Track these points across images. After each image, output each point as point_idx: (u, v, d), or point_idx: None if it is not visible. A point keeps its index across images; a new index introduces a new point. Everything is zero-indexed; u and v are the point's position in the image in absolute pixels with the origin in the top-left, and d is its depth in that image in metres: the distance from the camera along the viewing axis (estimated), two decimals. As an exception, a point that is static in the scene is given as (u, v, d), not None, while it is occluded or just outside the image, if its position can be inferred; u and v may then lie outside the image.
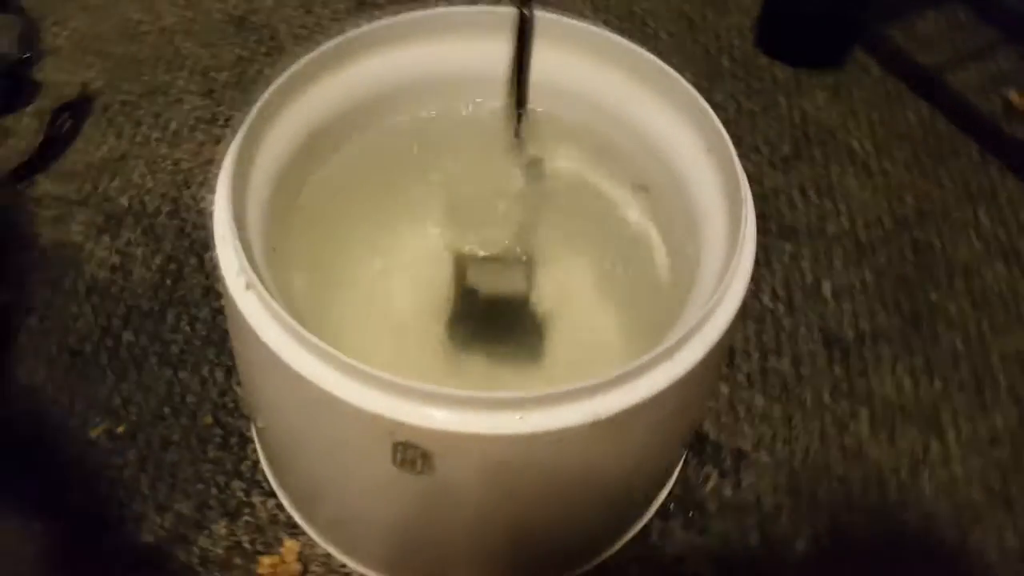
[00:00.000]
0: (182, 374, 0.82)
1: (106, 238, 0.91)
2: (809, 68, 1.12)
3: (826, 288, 0.91)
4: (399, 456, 0.53)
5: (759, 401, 0.83)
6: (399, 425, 0.50)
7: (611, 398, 0.51)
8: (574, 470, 0.56)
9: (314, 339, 0.51)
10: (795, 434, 0.81)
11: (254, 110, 0.63)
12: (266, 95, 0.64)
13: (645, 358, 0.51)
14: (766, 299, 0.90)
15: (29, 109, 1.01)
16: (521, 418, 0.50)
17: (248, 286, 0.55)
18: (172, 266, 0.90)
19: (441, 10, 0.72)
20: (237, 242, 0.56)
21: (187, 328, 0.85)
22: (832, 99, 1.09)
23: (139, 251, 0.91)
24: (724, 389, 0.83)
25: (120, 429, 0.78)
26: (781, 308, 0.89)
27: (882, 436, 0.82)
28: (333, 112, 0.70)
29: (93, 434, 0.78)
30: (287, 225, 0.67)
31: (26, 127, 1.00)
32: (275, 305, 0.53)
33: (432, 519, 0.60)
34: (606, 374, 0.50)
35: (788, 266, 0.93)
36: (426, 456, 0.52)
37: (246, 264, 0.55)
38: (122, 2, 1.17)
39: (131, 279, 0.88)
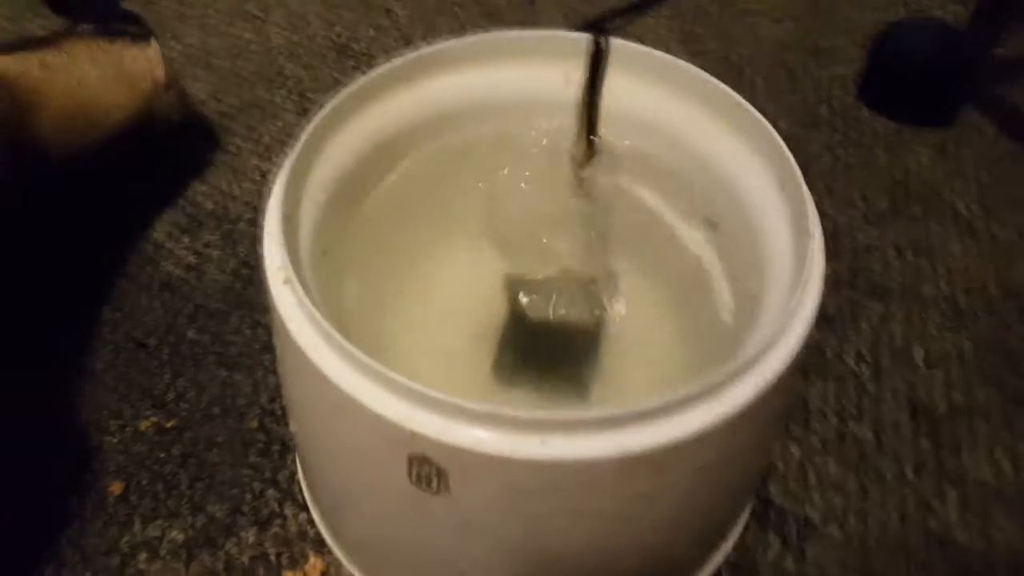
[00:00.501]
0: (236, 376, 0.82)
1: (186, 238, 0.93)
2: (914, 125, 1.06)
3: (918, 354, 0.84)
4: (414, 471, 0.50)
5: (833, 468, 0.77)
6: (414, 436, 0.48)
7: (644, 432, 0.47)
8: (602, 511, 0.52)
9: (338, 337, 0.49)
10: (871, 509, 0.74)
11: (320, 115, 0.64)
12: (334, 102, 0.65)
13: (685, 392, 0.47)
14: (850, 360, 0.84)
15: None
16: (542, 442, 0.47)
17: (286, 281, 0.54)
18: (244, 271, 0.91)
19: (514, 33, 0.71)
20: (282, 237, 0.55)
21: (248, 332, 0.86)
22: (938, 157, 1.03)
23: (215, 254, 0.92)
24: (795, 451, 0.77)
25: (169, 424, 0.79)
26: (866, 371, 0.83)
27: (974, 523, 0.74)
28: (400, 125, 0.70)
29: (143, 426, 0.79)
30: (342, 231, 0.66)
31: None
32: (308, 302, 0.52)
33: (449, 545, 0.56)
34: (639, 404, 0.47)
35: (877, 327, 0.86)
36: (441, 474, 0.49)
37: (287, 259, 0.54)
38: (236, 23, 1.22)
39: (203, 279, 0.90)
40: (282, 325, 0.53)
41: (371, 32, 1.21)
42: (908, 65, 1.04)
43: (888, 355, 0.84)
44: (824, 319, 0.87)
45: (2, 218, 0.80)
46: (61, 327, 0.86)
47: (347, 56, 1.18)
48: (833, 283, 0.90)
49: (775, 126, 0.61)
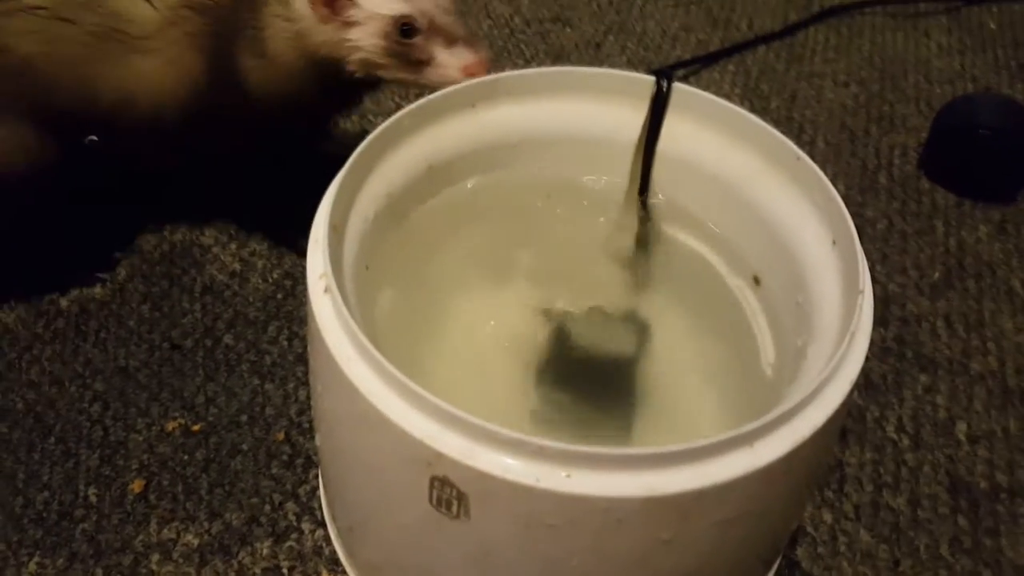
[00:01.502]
0: (268, 386, 0.82)
1: (233, 245, 0.94)
2: (974, 199, 1.04)
3: (961, 429, 0.82)
4: (435, 494, 0.49)
5: (865, 537, 0.74)
6: (438, 456, 0.47)
7: (672, 475, 0.46)
8: (623, 554, 0.51)
9: (372, 349, 0.49)
10: (899, 583, 0.72)
11: (375, 132, 0.64)
12: (391, 120, 0.65)
13: (717, 439, 0.46)
14: (890, 429, 0.81)
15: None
16: (568, 476, 0.46)
17: (327, 290, 0.54)
18: (287, 282, 0.91)
19: (578, 69, 0.71)
20: (327, 247, 0.56)
21: (284, 342, 0.86)
22: (996, 234, 1.00)
23: (260, 262, 0.93)
24: (827, 516, 0.75)
25: (196, 427, 0.79)
26: (906, 441, 0.80)
27: (1006, 608, 0.71)
28: (458, 150, 0.70)
29: (169, 427, 0.79)
30: (388, 248, 0.66)
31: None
32: (345, 312, 0.52)
33: (466, 574, 0.55)
34: (669, 447, 0.45)
35: (920, 398, 0.84)
36: (462, 498, 0.48)
37: (329, 268, 0.54)
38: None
39: (246, 287, 0.90)
40: (318, 333, 0.53)
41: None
42: (972, 139, 1.02)
43: (930, 427, 0.82)
44: (867, 385, 0.84)
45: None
46: (101, 320, 0.87)
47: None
48: (880, 350, 0.88)
49: (834, 188, 0.60)
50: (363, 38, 0.78)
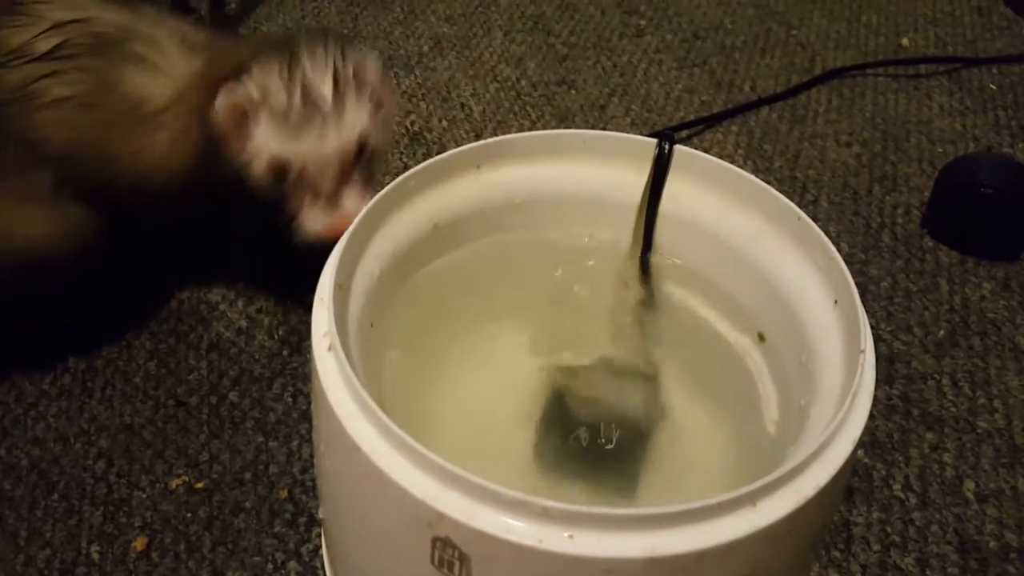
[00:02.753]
0: (272, 443, 0.82)
1: (240, 302, 0.95)
2: (978, 258, 1.05)
3: (969, 488, 0.81)
4: (437, 555, 0.49)
5: (872, 600, 0.73)
6: (440, 517, 0.47)
7: (674, 535, 0.46)
8: (628, 615, 0.50)
9: (374, 407, 0.49)
10: (909, 647, 0.71)
11: (383, 191, 0.65)
12: (399, 179, 0.66)
13: (719, 499, 0.46)
14: (897, 487, 0.81)
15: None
16: (571, 536, 0.46)
17: (330, 348, 0.54)
18: (293, 338, 0.92)
19: (582, 132, 0.73)
20: (332, 304, 0.56)
21: (289, 400, 0.86)
22: (1000, 291, 1.01)
23: (266, 320, 0.94)
24: (833, 578, 0.74)
25: (200, 484, 0.79)
26: (913, 500, 0.80)
27: (1016, 674, 0.70)
28: (463, 210, 0.71)
29: (173, 484, 0.79)
30: (392, 306, 0.67)
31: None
32: (348, 370, 0.52)
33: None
34: (672, 506, 0.45)
35: (927, 456, 0.83)
36: (464, 559, 0.48)
37: (334, 327, 0.55)
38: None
39: (252, 344, 0.91)
40: (321, 391, 0.54)
41: (444, 123, 1.25)
42: (974, 198, 1.03)
43: (937, 486, 0.81)
44: (873, 444, 0.84)
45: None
46: (107, 377, 0.87)
47: (419, 143, 1.21)
48: (885, 408, 0.87)
49: (836, 247, 0.60)
50: (252, 166, 0.79)
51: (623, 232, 0.74)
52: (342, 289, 0.60)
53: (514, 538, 0.46)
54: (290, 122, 0.76)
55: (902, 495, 0.80)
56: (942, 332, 0.96)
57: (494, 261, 0.74)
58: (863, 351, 0.53)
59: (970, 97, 1.31)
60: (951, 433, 0.85)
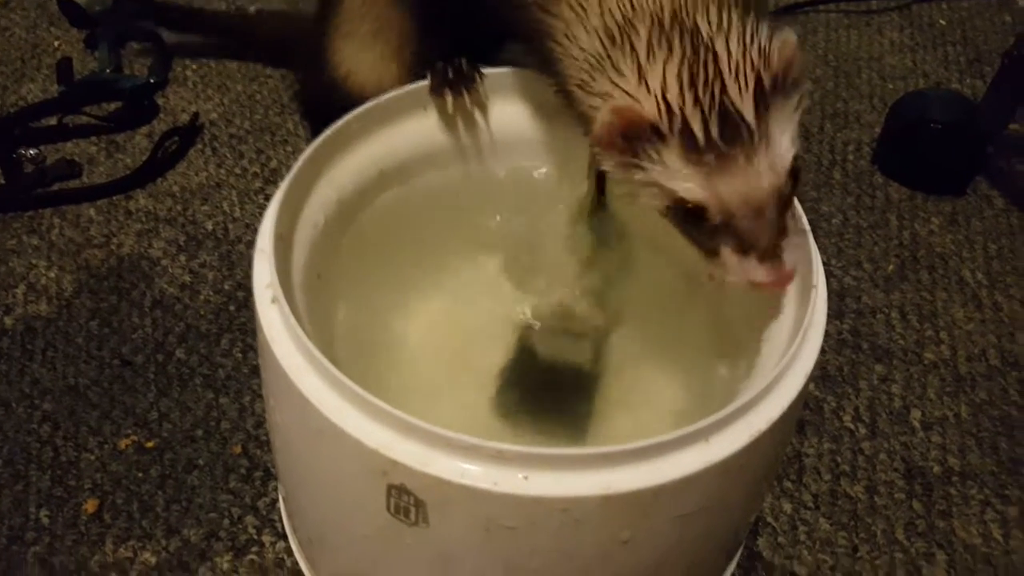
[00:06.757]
0: (223, 399, 0.81)
1: (183, 257, 0.93)
2: (927, 193, 1.06)
3: (915, 417, 0.83)
4: (393, 502, 0.49)
5: (824, 526, 0.75)
6: (393, 464, 0.46)
7: (628, 473, 0.46)
8: (586, 552, 0.50)
9: (323, 360, 0.48)
10: (859, 568, 0.73)
11: (323, 135, 0.63)
12: (339, 123, 0.64)
13: (672, 436, 0.46)
14: (847, 419, 0.82)
15: (143, 130, 1.06)
16: (526, 478, 0.46)
17: (273, 300, 0.53)
18: (240, 294, 0.90)
19: (529, 71, 0.71)
20: (273, 256, 0.55)
21: (239, 355, 0.84)
22: (948, 225, 1.02)
23: (211, 274, 0.91)
24: (786, 506, 0.76)
25: (150, 444, 0.77)
26: (862, 430, 0.81)
27: (961, 589, 0.72)
28: (410, 152, 0.70)
29: (122, 444, 0.77)
30: (340, 256, 0.66)
31: (136, 145, 1.04)
32: (293, 322, 0.51)
33: (426, 582, 0.55)
34: (626, 445, 0.45)
35: (876, 388, 0.85)
36: (420, 505, 0.48)
37: (276, 279, 0.53)
38: (254, 47, 1.22)
39: (197, 299, 0.89)
40: (266, 344, 0.52)
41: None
42: (924, 134, 1.04)
43: (886, 416, 0.83)
44: (824, 377, 0.85)
45: None
46: (48, 338, 0.85)
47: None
48: (836, 342, 0.89)
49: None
50: (642, 194, 0.59)
51: (578, 169, 0.73)
52: (283, 240, 0.58)
53: (469, 482, 0.46)
54: (707, 158, 0.54)
55: (852, 426, 0.82)
56: (891, 267, 0.97)
57: (443, 205, 0.72)
58: (815, 287, 0.53)
59: (920, 33, 1.31)
60: (899, 365, 0.87)
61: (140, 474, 0.75)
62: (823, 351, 0.54)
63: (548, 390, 0.71)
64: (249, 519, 0.73)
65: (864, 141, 1.13)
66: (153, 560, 0.70)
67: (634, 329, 0.71)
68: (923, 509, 0.76)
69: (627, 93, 0.56)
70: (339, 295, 0.65)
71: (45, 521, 0.72)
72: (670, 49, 0.56)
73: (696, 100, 0.54)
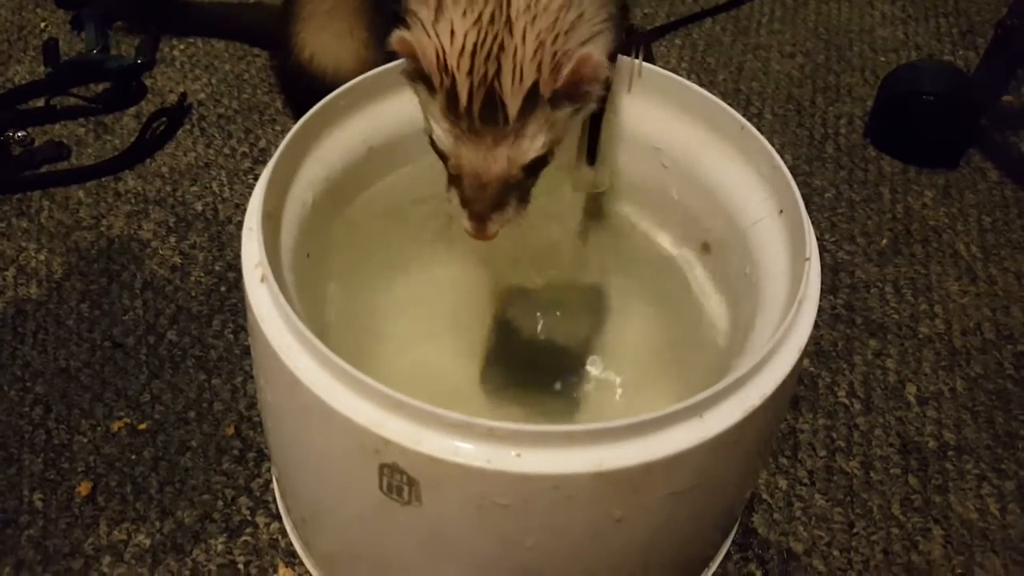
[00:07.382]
0: (215, 381, 0.80)
1: (172, 238, 0.92)
2: (920, 166, 1.05)
3: (910, 391, 0.83)
4: (385, 481, 0.48)
5: (819, 502, 0.75)
6: (385, 443, 0.46)
7: (620, 450, 0.46)
8: (579, 529, 0.50)
9: (313, 339, 0.48)
10: (855, 543, 0.73)
11: (311, 112, 0.62)
12: (327, 99, 0.63)
13: (664, 412, 0.46)
14: (841, 394, 0.82)
15: (131, 111, 1.05)
16: (518, 455, 0.45)
17: (263, 279, 0.52)
18: (231, 274, 0.89)
19: None
20: (262, 235, 0.54)
21: (230, 336, 0.84)
22: (941, 199, 1.01)
23: (201, 255, 0.91)
24: (782, 482, 0.76)
25: (142, 426, 0.77)
26: (857, 406, 0.81)
27: (957, 561, 0.72)
28: (400, 130, 0.69)
29: (115, 427, 0.77)
30: (329, 235, 0.65)
31: (124, 126, 1.03)
32: (283, 301, 0.50)
33: (420, 559, 0.54)
34: (617, 422, 0.45)
35: (871, 363, 0.85)
36: (412, 484, 0.48)
37: (264, 257, 0.53)
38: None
39: (187, 281, 0.88)
40: (256, 324, 0.52)
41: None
42: (916, 106, 1.03)
43: (880, 391, 0.83)
44: (818, 352, 0.85)
45: None
46: (38, 321, 0.84)
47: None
48: (830, 317, 0.88)
49: (780, 158, 0.59)
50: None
51: (568, 146, 0.72)
52: (272, 218, 0.57)
53: (461, 460, 0.45)
54: (460, 123, 0.57)
55: (847, 401, 0.82)
56: (885, 241, 0.96)
57: (431, 179, 0.71)
58: (808, 259, 0.53)
59: (912, 4, 1.30)
60: (894, 339, 0.87)
61: (133, 456, 0.75)
62: (817, 326, 0.54)
63: (541, 359, 0.71)
64: (243, 500, 0.73)
65: (856, 114, 1.12)
66: (147, 542, 0.70)
67: (626, 302, 0.71)
68: (919, 484, 0.76)
69: (422, 24, 0.57)
70: (329, 273, 0.65)
71: (39, 504, 0.72)
72: (472, 3, 0.56)
73: (471, 70, 0.55)
